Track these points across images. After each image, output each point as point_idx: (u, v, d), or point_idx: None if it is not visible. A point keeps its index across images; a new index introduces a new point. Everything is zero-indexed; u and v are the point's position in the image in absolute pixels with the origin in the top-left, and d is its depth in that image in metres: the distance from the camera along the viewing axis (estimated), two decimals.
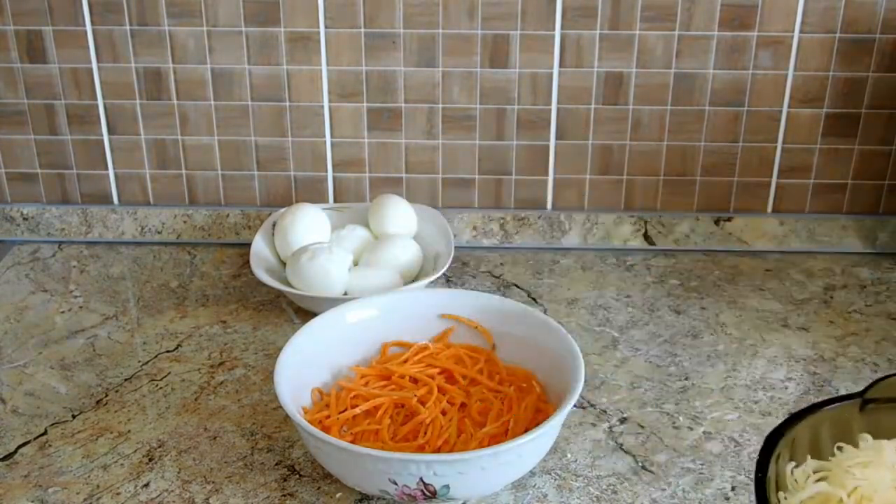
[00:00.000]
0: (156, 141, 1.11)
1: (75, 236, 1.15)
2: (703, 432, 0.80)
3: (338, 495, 0.72)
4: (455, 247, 1.04)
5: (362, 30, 1.05)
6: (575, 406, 0.78)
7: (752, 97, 1.07)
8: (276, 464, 0.76)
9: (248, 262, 1.01)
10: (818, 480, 0.45)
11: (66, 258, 1.11)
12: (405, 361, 0.80)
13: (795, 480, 0.45)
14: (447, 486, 0.65)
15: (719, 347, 0.92)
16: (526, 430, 0.68)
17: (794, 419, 0.44)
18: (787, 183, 1.11)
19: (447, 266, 0.96)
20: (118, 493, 0.72)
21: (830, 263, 1.09)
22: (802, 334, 0.95)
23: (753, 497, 0.48)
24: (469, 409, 0.75)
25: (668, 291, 1.03)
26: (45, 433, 0.80)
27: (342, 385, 0.77)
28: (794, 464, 0.46)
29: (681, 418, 0.82)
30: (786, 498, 0.45)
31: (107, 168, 1.13)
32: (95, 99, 1.09)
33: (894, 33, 1.03)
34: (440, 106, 1.08)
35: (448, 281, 1.05)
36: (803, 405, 0.82)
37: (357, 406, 0.74)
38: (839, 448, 0.46)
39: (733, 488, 0.73)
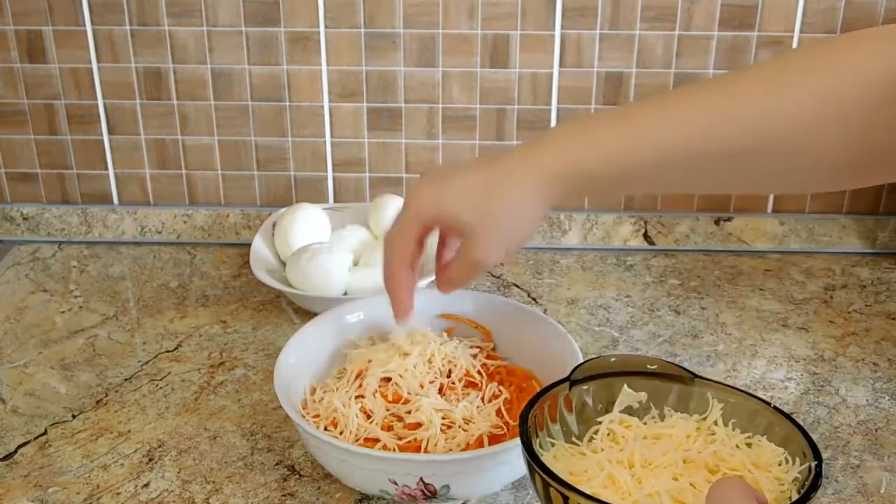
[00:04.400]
0: (156, 141, 1.11)
1: (75, 236, 1.15)
2: None
3: (338, 495, 0.72)
4: None
5: (362, 30, 1.05)
6: None
7: None
8: (276, 464, 0.76)
9: (248, 262, 1.01)
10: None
11: (66, 258, 1.11)
12: None
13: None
14: (447, 486, 0.65)
15: (719, 347, 0.92)
16: None
17: (531, 403, 0.59)
18: None
19: None
20: (118, 493, 0.72)
21: (830, 263, 1.09)
22: (802, 334, 0.95)
23: None
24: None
25: (667, 291, 1.03)
26: (45, 433, 0.80)
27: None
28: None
29: None
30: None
31: (107, 168, 1.13)
32: (95, 99, 1.09)
33: None
34: (440, 106, 1.08)
35: None
36: (804, 405, 0.83)
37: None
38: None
39: None
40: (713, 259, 1.11)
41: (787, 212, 1.12)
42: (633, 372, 0.62)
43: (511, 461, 0.66)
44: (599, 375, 0.62)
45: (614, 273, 1.07)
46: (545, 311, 0.99)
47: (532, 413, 0.58)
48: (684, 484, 0.53)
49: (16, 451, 0.77)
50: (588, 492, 0.50)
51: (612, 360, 0.62)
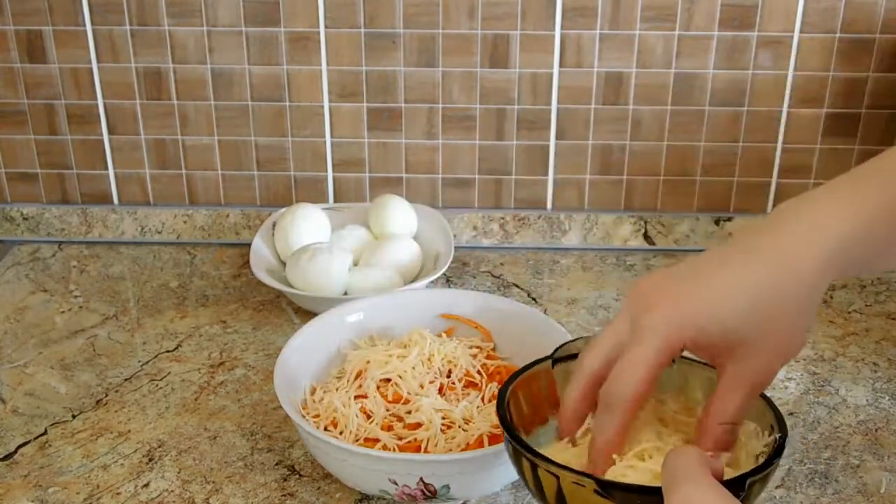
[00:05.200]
0: (156, 141, 1.11)
1: (75, 236, 1.15)
2: None
3: (338, 495, 0.72)
4: (455, 247, 1.04)
5: (362, 30, 1.05)
6: None
7: (752, 97, 1.07)
8: (276, 464, 0.76)
9: (248, 262, 1.01)
10: None
11: (66, 258, 1.11)
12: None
13: None
14: (447, 486, 0.65)
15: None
16: None
17: (510, 381, 0.60)
18: (787, 183, 1.11)
19: (447, 266, 0.96)
20: (118, 493, 0.72)
21: None
22: None
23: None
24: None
25: None
26: (45, 433, 0.80)
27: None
28: None
29: None
30: None
31: (107, 168, 1.13)
32: (95, 99, 1.09)
33: (894, 33, 1.03)
34: (440, 106, 1.08)
35: (448, 281, 1.05)
36: (804, 405, 0.82)
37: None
38: None
39: None
40: None
41: None
42: None
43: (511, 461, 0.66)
44: None
45: (614, 273, 1.07)
46: (545, 311, 0.99)
47: (511, 388, 0.59)
48: (657, 445, 0.54)
49: (16, 451, 0.77)
50: (558, 460, 0.51)
51: None
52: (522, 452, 0.52)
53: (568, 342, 0.63)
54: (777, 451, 0.51)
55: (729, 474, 0.48)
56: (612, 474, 0.52)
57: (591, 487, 0.48)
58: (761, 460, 0.53)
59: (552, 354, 0.62)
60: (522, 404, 0.60)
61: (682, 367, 0.60)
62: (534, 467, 0.52)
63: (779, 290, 0.48)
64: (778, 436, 0.53)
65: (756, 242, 0.50)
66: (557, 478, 0.50)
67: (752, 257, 0.49)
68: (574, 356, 0.60)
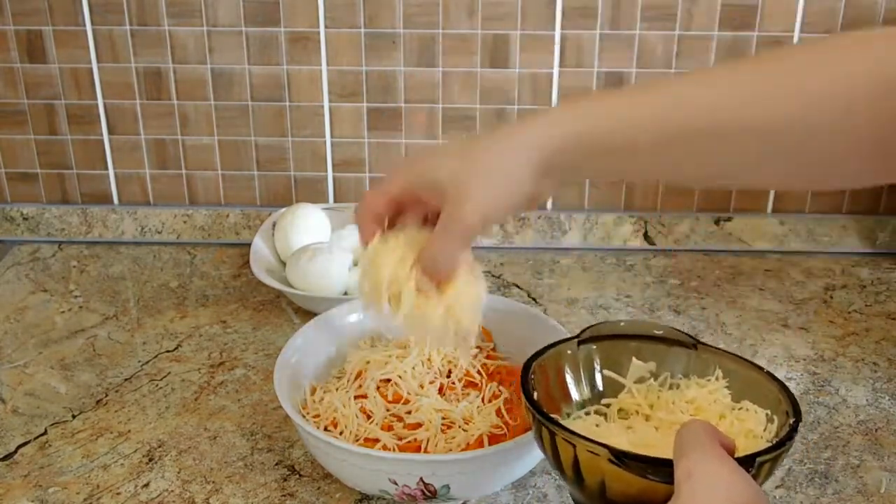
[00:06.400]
0: (156, 141, 1.11)
1: (75, 236, 1.15)
2: None
3: (338, 495, 0.72)
4: None
5: (362, 30, 1.05)
6: None
7: None
8: (276, 464, 0.76)
9: (248, 262, 1.01)
10: None
11: (66, 258, 1.11)
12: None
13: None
14: (447, 486, 0.65)
15: (719, 347, 0.92)
16: (526, 430, 0.68)
17: (534, 357, 0.62)
18: None
19: None
20: (118, 493, 0.72)
21: (830, 263, 1.09)
22: (802, 334, 0.95)
23: None
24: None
25: (668, 291, 1.03)
26: (45, 433, 0.80)
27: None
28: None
29: None
30: None
31: (107, 168, 1.13)
32: (95, 99, 1.09)
33: None
34: (440, 106, 1.08)
35: None
36: (804, 405, 0.82)
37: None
38: None
39: None
40: (713, 259, 1.11)
41: (787, 212, 1.12)
42: (640, 335, 0.65)
43: (511, 461, 0.66)
44: (607, 337, 0.65)
45: (614, 273, 1.07)
46: (545, 311, 0.98)
47: (538, 363, 0.62)
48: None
49: (16, 451, 0.77)
50: (577, 431, 0.54)
51: (622, 324, 0.66)
52: (542, 422, 0.55)
53: (595, 324, 0.66)
54: (790, 435, 0.53)
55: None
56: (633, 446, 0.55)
57: (606, 456, 0.50)
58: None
59: (578, 335, 0.65)
60: (549, 383, 0.63)
61: (706, 356, 0.64)
62: (552, 436, 0.54)
63: (476, 155, 0.58)
64: (793, 420, 0.55)
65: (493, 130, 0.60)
66: (574, 446, 0.52)
67: (474, 137, 0.61)
68: (600, 337, 0.64)
